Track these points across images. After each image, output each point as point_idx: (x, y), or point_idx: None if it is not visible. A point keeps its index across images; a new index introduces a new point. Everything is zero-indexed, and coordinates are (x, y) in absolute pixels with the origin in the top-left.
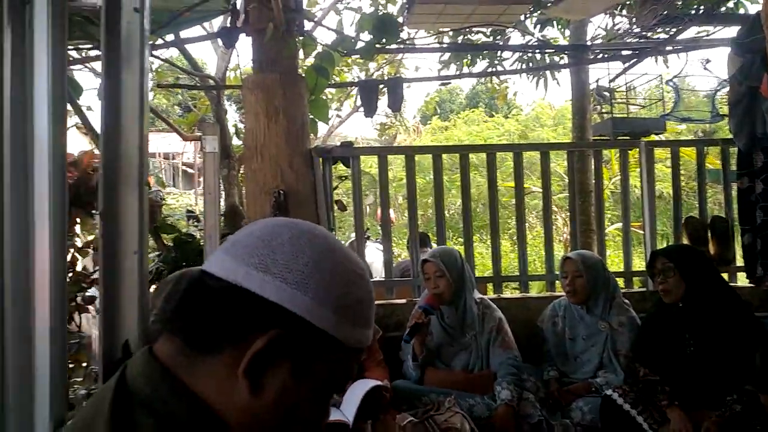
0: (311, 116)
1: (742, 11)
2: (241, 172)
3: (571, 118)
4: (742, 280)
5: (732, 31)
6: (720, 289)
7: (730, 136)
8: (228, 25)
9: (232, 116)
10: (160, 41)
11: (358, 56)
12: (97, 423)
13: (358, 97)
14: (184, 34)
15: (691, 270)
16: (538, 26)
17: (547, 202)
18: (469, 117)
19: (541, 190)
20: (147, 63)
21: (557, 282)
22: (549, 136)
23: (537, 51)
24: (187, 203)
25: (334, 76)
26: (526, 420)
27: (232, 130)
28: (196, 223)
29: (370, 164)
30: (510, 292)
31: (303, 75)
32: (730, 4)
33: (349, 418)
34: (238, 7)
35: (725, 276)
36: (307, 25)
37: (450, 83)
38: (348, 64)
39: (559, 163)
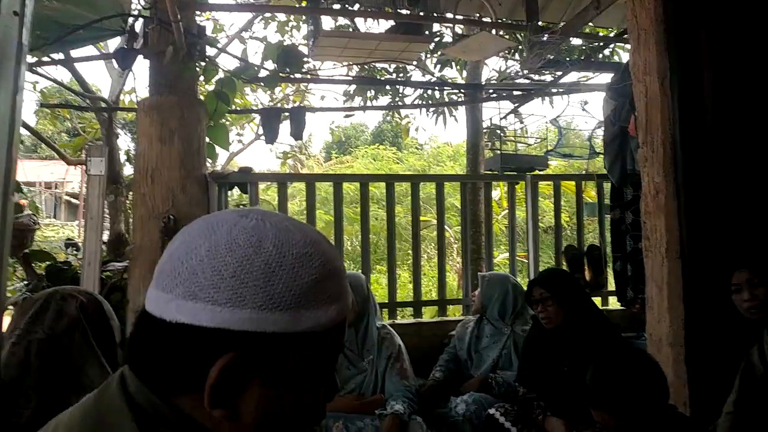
0: (209, 141)
1: (616, 59)
2: (129, 199)
3: (466, 154)
4: (613, 303)
5: (607, 77)
6: (591, 313)
7: (605, 172)
8: (125, 46)
9: (126, 143)
10: (46, 58)
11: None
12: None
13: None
14: (76, 53)
15: (566, 297)
16: (438, 66)
17: (441, 231)
18: (374, 152)
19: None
20: (23, 72)
21: (450, 307)
22: (447, 172)
23: (435, 87)
24: (69, 236)
25: (236, 101)
26: None
27: (123, 157)
28: (75, 252)
29: (273, 195)
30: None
31: (202, 99)
32: (606, 52)
33: None
34: (137, 29)
35: (598, 300)
36: (211, 51)
37: (354, 115)
38: (254, 87)
39: (456, 198)
